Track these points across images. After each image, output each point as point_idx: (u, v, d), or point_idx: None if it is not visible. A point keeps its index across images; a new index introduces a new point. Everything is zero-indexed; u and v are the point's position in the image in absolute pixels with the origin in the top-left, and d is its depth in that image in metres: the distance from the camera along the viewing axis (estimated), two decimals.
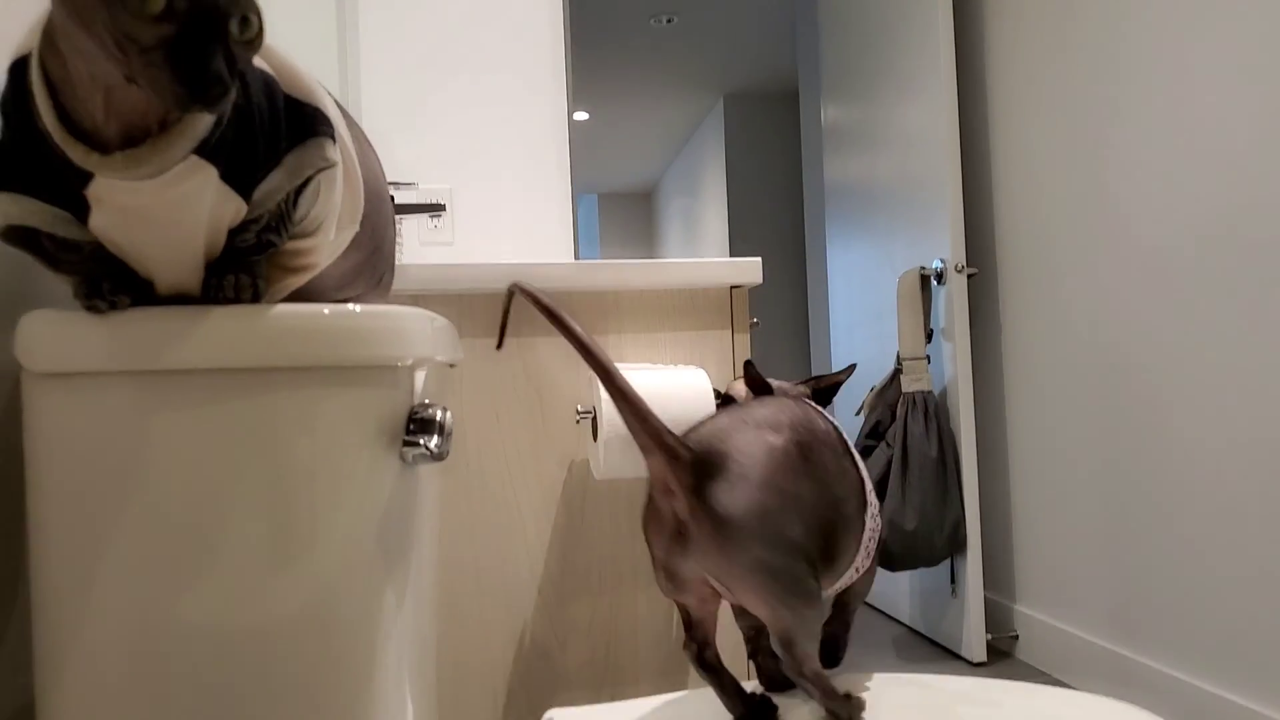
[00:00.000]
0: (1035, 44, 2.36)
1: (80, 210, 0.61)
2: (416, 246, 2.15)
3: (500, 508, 1.28)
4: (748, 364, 1.14)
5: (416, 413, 0.71)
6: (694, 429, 0.77)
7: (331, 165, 0.68)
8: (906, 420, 2.45)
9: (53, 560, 0.64)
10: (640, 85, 5.54)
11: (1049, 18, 2.29)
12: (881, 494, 2.46)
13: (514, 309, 1.30)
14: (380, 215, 0.80)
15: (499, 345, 0.75)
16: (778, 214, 5.44)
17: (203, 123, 0.59)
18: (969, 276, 2.50)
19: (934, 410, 2.44)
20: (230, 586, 0.64)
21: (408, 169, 2.15)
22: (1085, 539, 2.21)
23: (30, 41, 0.60)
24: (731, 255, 5.41)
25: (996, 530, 2.60)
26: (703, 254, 6.31)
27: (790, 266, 5.31)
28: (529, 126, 2.20)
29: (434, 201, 2.00)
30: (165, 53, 0.51)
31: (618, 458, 1.21)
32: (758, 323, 1.43)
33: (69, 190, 0.60)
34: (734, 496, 0.68)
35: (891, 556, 2.39)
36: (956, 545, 2.40)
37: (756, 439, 0.73)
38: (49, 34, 0.58)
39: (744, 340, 1.37)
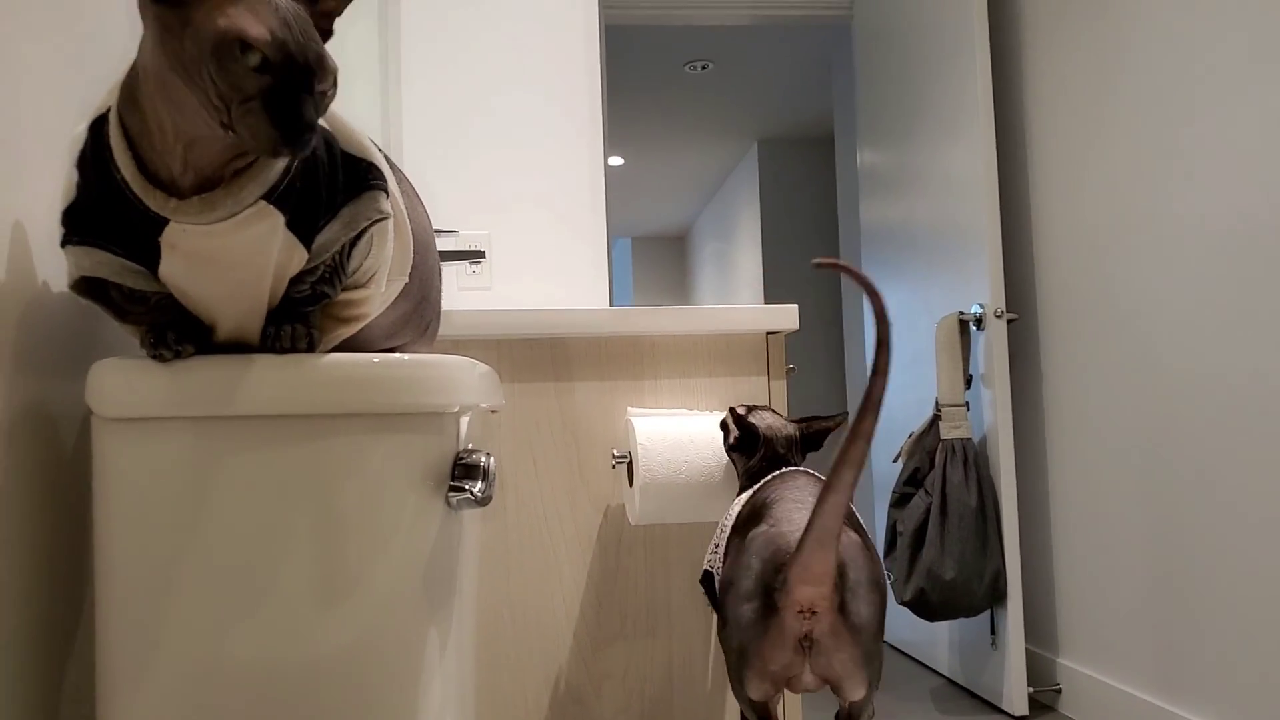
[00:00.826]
0: (1076, 86, 2.37)
1: (151, 259, 0.65)
2: (455, 292, 2.19)
3: (536, 551, 1.30)
4: (732, 410, 1.16)
5: (462, 458, 0.73)
6: (771, 521, 0.80)
7: (385, 217, 0.71)
8: (945, 468, 2.42)
9: (116, 593, 0.66)
10: (675, 130, 5.61)
11: (1091, 59, 2.31)
12: (920, 542, 2.43)
13: (550, 360, 1.33)
14: (427, 266, 0.82)
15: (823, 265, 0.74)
16: (812, 257, 5.45)
17: (272, 170, 0.63)
18: (1009, 322, 2.49)
19: (973, 458, 2.42)
20: (281, 623, 0.66)
21: (448, 216, 2.20)
22: (1130, 591, 2.17)
23: (109, 100, 0.64)
24: (766, 299, 5.42)
25: (1038, 581, 2.56)
26: (736, 298, 6.33)
27: (826, 311, 5.31)
28: (565, 173, 2.25)
29: (474, 248, 2.04)
30: (264, 101, 0.57)
31: (653, 504, 1.22)
32: (794, 369, 1.44)
33: (142, 239, 0.63)
34: (860, 606, 0.74)
35: (930, 606, 2.35)
36: (997, 596, 2.36)
37: (848, 540, 0.77)
38: (129, 91, 0.62)
39: (780, 387, 1.38)
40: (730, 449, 1.18)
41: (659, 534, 1.33)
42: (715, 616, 0.92)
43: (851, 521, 0.86)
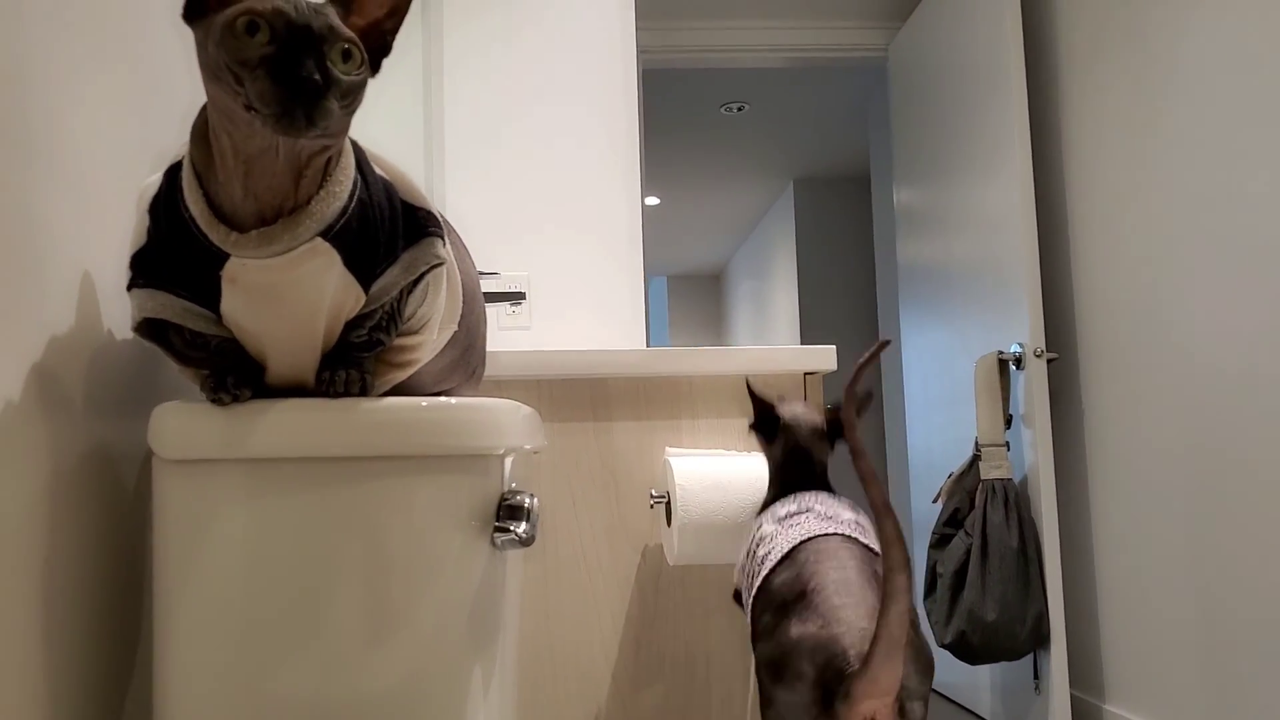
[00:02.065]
0: (1115, 120, 2.36)
1: (213, 301, 0.68)
2: (496, 331, 2.22)
3: (575, 591, 1.30)
4: (748, 381, 1.15)
5: (506, 499, 0.74)
6: (818, 618, 0.79)
7: (442, 262, 0.74)
8: (986, 508, 2.40)
9: (173, 629, 0.68)
10: (710, 170, 5.66)
11: (1130, 93, 2.31)
12: (960, 584, 2.40)
13: (589, 400, 1.34)
14: (474, 314, 0.85)
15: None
16: (850, 297, 5.45)
17: (330, 209, 0.66)
18: (1049, 361, 2.47)
19: (1014, 498, 2.39)
20: (331, 661, 0.67)
21: (490, 257, 2.24)
22: (1178, 635, 2.12)
23: (182, 150, 0.68)
24: (802, 338, 5.42)
25: (1082, 624, 2.51)
26: (772, 337, 6.33)
27: (863, 348, 5.29)
28: (604, 214, 2.28)
29: (515, 290, 2.07)
30: (267, 67, 0.59)
31: (691, 545, 1.22)
32: (834, 409, 1.44)
33: (205, 277, 0.66)
34: (916, 706, 0.75)
35: (971, 649, 2.32)
36: (1039, 639, 2.32)
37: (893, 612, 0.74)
38: (198, 131, 0.66)
39: None
40: (751, 427, 1.16)
41: (697, 575, 1.33)
42: (754, 687, 0.91)
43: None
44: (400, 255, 0.71)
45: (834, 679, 0.73)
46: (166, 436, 0.69)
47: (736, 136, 5.06)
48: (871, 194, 4.35)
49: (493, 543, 0.73)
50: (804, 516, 0.98)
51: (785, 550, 0.92)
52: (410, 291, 0.73)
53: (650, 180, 5.80)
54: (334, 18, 0.63)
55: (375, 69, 0.67)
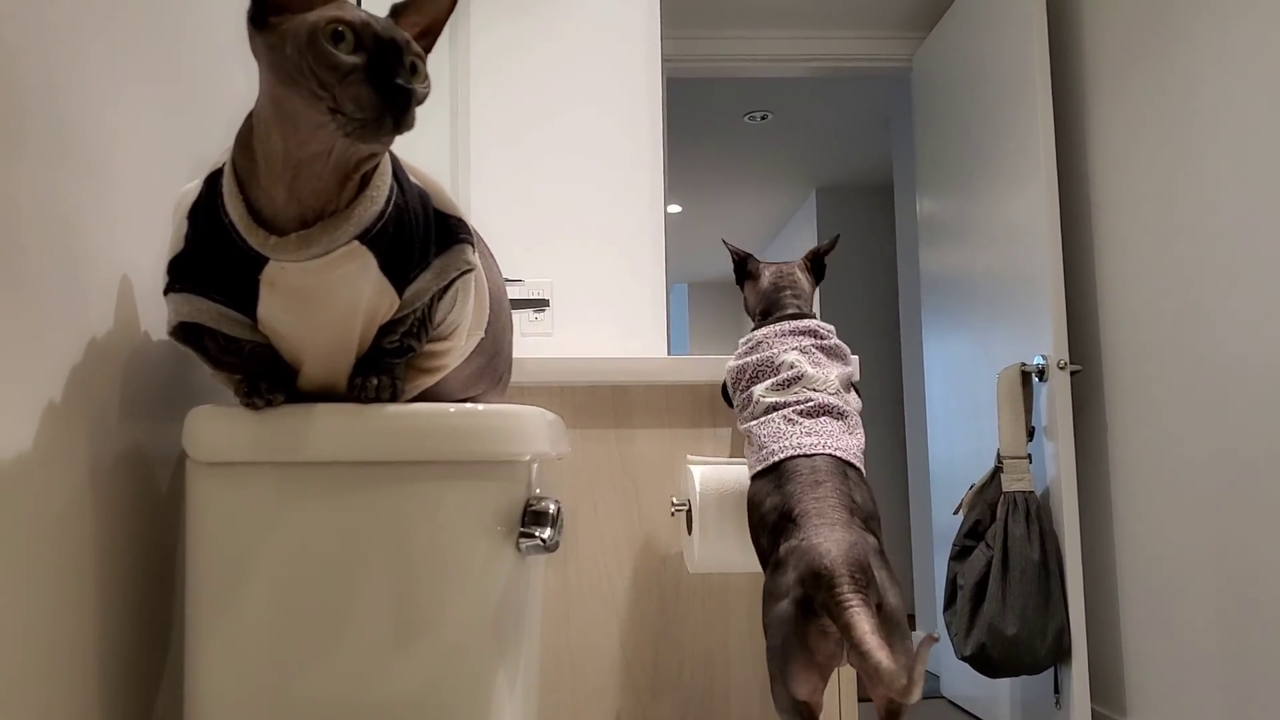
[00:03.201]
0: (1142, 131, 2.35)
1: (248, 305, 0.69)
2: (519, 338, 2.23)
3: (596, 597, 1.31)
4: (724, 241, 1.40)
5: (532, 505, 0.75)
6: (801, 536, 0.92)
7: (472, 268, 0.75)
8: (1007, 521, 2.39)
9: (202, 626, 0.70)
10: (733, 179, 5.67)
11: (1158, 104, 2.29)
12: (981, 596, 2.39)
13: (611, 407, 1.35)
14: (501, 321, 0.86)
15: None
16: (871, 306, 5.43)
17: (367, 213, 0.67)
18: (1072, 373, 2.46)
19: (1036, 511, 2.37)
20: (357, 662, 0.69)
21: (513, 264, 2.25)
22: (1201, 650, 2.10)
23: (223, 157, 0.69)
24: None
25: (1104, 639, 2.49)
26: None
27: (885, 360, 5.28)
28: (626, 222, 2.29)
29: (538, 297, 2.09)
30: (364, 73, 0.62)
31: (711, 552, 1.23)
32: None
33: (242, 282, 0.68)
34: (890, 597, 0.89)
35: (992, 662, 2.30)
36: (1060, 653, 2.30)
37: (868, 544, 0.93)
38: (242, 138, 0.68)
39: None
40: (737, 281, 1.39)
41: (717, 583, 1.34)
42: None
43: (871, 526, 1.00)
44: (432, 261, 0.73)
45: (812, 581, 0.86)
46: (200, 439, 0.71)
47: (759, 145, 5.07)
48: (894, 203, 4.34)
49: (517, 548, 0.74)
50: (795, 393, 1.14)
51: (773, 462, 1.06)
52: (441, 298, 0.74)
53: (673, 188, 5.81)
54: (401, 30, 0.66)
55: None
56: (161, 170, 0.85)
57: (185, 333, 0.72)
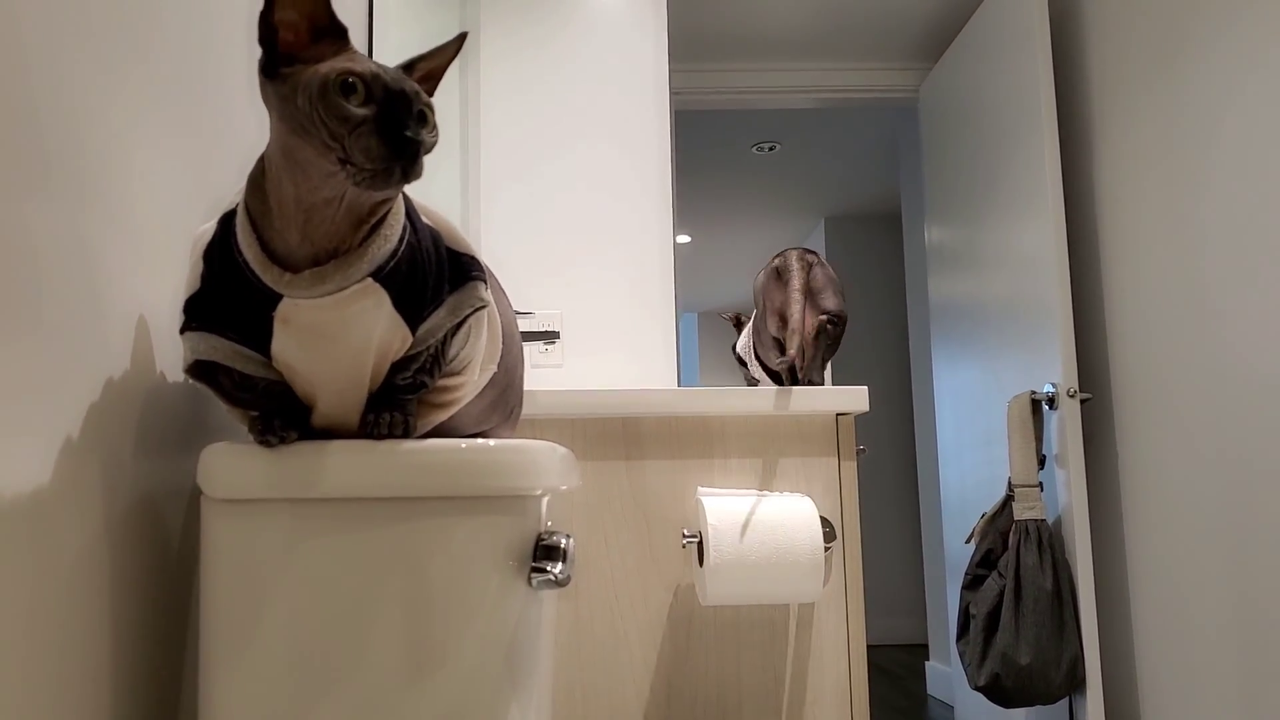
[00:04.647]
0: (1150, 159, 2.36)
1: (263, 342, 0.70)
2: (529, 370, 2.24)
3: (607, 631, 1.31)
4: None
5: (543, 540, 0.76)
6: None
7: (485, 305, 0.76)
8: (1019, 549, 2.37)
9: (217, 662, 0.70)
10: (741, 209, 5.70)
11: (1166, 131, 2.31)
12: (994, 626, 2.37)
13: (621, 438, 1.36)
14: (512, 355, 0.87)
15: None
16: (881, 335, 5.43)
17: (380, 251, 0.68)
18: (1082, 401, 2.45)
19: (1048, 540, 2.36)
20: (370, 698, 0.69)
21: (523, 296, 2.27)
22: (1218, 682, 2.08)
23: (236, 198, 0.71)
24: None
25: (1119, 669, 2.47)
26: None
27: (895, 388, 5.27)
28: (635, 253, 2.31)
29: (549, 329, 2.10)
30: (373, 125, 0.63)
31: (724, 585, 1.23)
32: (865, 450, 1.45)
33: (256, 319, 0.69)
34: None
35: (1005, 692, 2.28)
36: (1075, 683, 2.28)
37: None
38: (255, 180, 0.69)
39: (851, 468, 1.39)
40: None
41: (730, 616, 1.34)
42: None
43: None
44: (446, 299, 0.74)
45: None
46: (215, 476, 0.71)
47: (768, 175, 5.10)
48: (903, 232, 4.36)
49: (529, 583, 0.74)
50: None
51: None
52: (454, 334, 0.75)
53: (682, 218, 5.85)
54: (411, 80, 0.68)
55: None
56: (179, 211, 0.87)
57: (201, 370, 0.73)
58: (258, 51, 0.66)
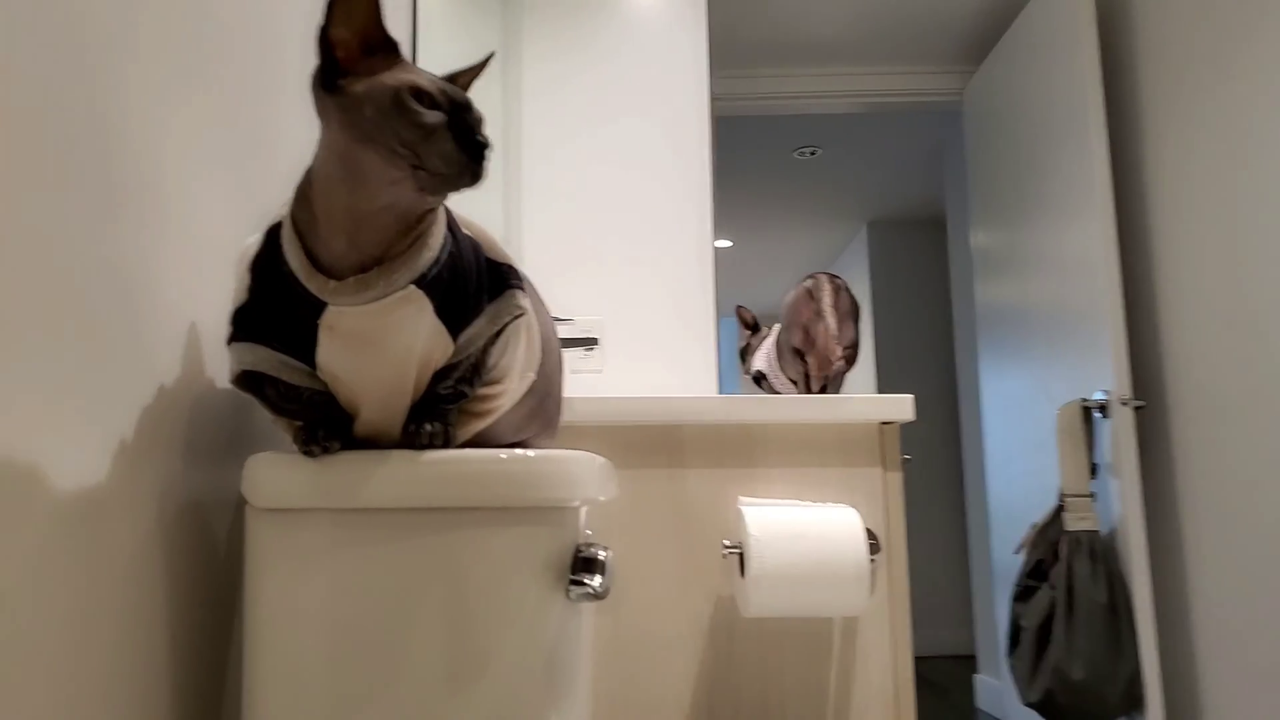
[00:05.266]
0: (1204, 161, 2.30)
1: (308, 353, 0.71)
2: (570, 376, 2.25)
3: (647, 641, 1.30)
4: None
5: (581, 551, 0.75)
6: None
7: (524, 313, 0.76)
8: (1071, 561, 2.32)
9: (260, 670, 0.71)
10: (783, 214, 5.67)
11: (1218, 133, 2.25)
12: (1045, 640, 2.31)
13: (662, 446, 1.35)
14: (551, 363, 0.87)
15: None
16: (926, 340, 5.36)
17: (422, 259, 0.69)
18: (1136, 409, 2.39)
19: (1101, 551, 2.30)
20: (410, 708, 0.69)
21: (564, 302, 2.28)
22: None
23: (281, 210, 0.72)
24: (877, 380, 5.34)
25: (1180, 687, 2.40)
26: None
27: (941, 395, 5.19)
28: (675, 259, 2.30)
29: (588, 336, 2.10)
30: (450, 130, 0.66)
31: (766, 596, 1.21)
32: (910, 459, 1.43)
33: (302, 329, 0.70)
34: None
35: (1059, 709, 2.23)
36: (1132, 702, 2.22)
37: None
38: (301, 192, 0.70)
39: (896, 478, 1.37)
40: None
41: (772, 627, 1.32)
42: None
43: None
44: (485, 308, 0.74)
45: None
46: (259, 486, 0.72)
47: (809, 180, 5.07)
48: (947, 236, 4.30)
49: (567, 595, 0.74)
50: None
51: None
52: (493, 343, 0.75)
53: (723, 223, 5.83)
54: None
55: None
56: (231, 224, 0.88)
57: (247, 380, 0.73)
58: (305, 69, 0.67)
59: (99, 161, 0.67)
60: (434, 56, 1.89)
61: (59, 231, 0.62)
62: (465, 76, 0.76)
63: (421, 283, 0.69)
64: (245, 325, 0.72)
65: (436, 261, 0.70)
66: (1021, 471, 2.87)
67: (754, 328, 2.03)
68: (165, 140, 0.77)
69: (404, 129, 0.65)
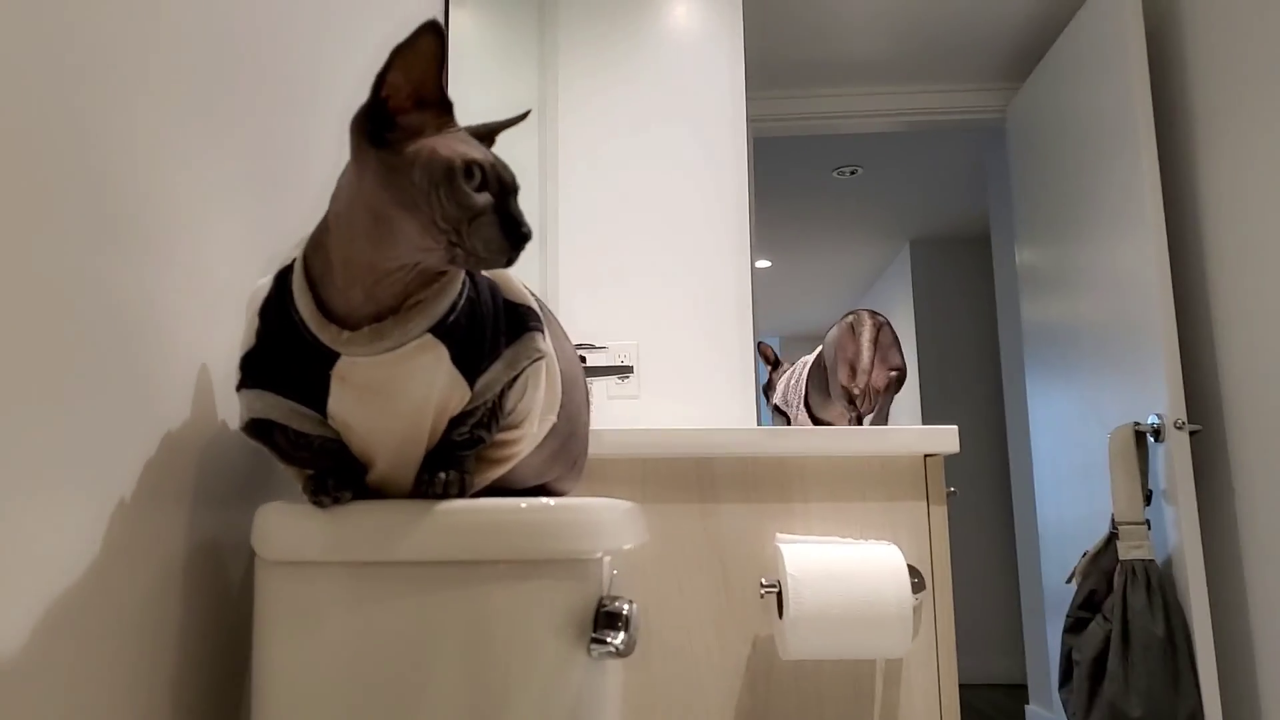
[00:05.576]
0: (1259, 176, 2.22)
1: (318, 400, 0.68)
2: (605, 400, 2.21)
3: (681, 683, 1.26)
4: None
5: (604, 605, 0.71)
6: None
7: (542, 356, 0.73)
8: (1126, 591, 2.23)
9: None
10: (824, 233, 5.61)
11: (1274, 141, 2.16)
12: (1099, 674, 2.22)
13: (695, 480, 1.31)
14: (575, 403, 0.83)
15: None
16: (971, 361, 5.25)
17: (439, 306, 0.66)
18: (1191, 433, 2.30)
19: (1158, 581, 2.21)
20: None
21: (599, 328, 2.25)
22: None
23: (293, 253, 0.69)
24: (921, 403, 5.24)
25: None
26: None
27: (988, 417, 5.08)
28: (712, 282, 2.26)
29: (622, 364, 2.07)
30: (495, 214, 0.64)
31: (805, 638, 1.16)
32: (955, 492, 1.37)
33: (313, 378, 0.67)
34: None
35: None
36: None
37: None
38: (317, 239, 0.68)
39: (940, 513, 1.31)
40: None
41: (812, 669, 1.27)
42: None
43: None
44: (503, 352, 0.71)
45: None
46: (269, 538, 0.69)
47: (850, 199, 5.01)
48: (992, 254, 4.21)
49: (589, 652, 0.70)
50: None
51: None
52: (511, 386, 0.72)
53: (762, 243, 5.79)
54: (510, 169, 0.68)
55: None
56: (245, 264, 0.86)
57: (256, 428, 0.71)
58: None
59: (108, 200, 0.65)
60: (468, 80, 1.87)
61: (62, 270, 0.60)
62: (506, 127, 0.74)
63: (438, 330, 0.67)
64: (254, 371, 0.70)
65: (454, 308, 0.68)
66: (1072, 497, 2.78)
67: (775, 363, 2.05)
68: (180, 179, 0.75)
69: (451, 206, 0.62)
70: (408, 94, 0.64)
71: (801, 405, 1.85)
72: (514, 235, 0.64)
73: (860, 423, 1.68)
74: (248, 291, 0.86)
